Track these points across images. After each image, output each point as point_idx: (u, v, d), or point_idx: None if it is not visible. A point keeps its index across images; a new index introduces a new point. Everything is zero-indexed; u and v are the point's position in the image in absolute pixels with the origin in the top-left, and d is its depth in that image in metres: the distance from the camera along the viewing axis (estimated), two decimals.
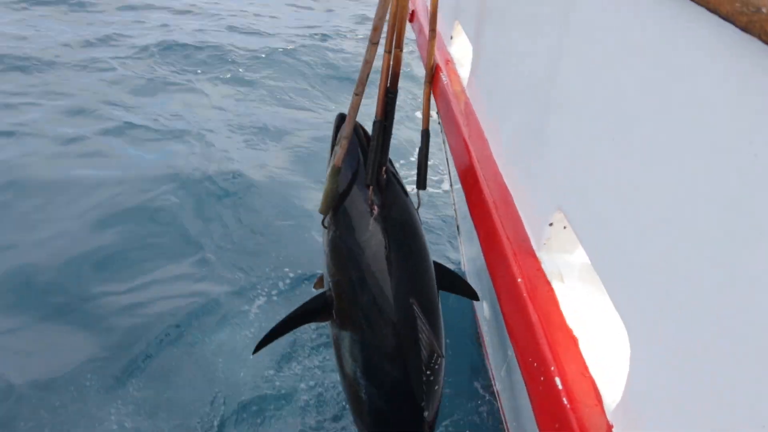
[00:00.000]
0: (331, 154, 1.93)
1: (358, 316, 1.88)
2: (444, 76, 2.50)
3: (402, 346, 1.89)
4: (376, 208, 1.82)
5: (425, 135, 2.04)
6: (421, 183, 2.05)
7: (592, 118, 1.30)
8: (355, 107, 1.81)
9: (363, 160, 1.87)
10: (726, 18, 0.81)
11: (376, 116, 1.85)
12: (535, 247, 1.55)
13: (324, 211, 1.87)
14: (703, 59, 0.91)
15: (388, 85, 1.87)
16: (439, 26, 2.89)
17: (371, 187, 1.83)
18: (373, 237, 1.81)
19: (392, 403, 2.03)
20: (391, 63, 1.86)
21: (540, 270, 1.50)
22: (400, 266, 1.84)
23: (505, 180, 1.78)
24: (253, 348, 1.99)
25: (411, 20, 3.09)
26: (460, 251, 3.75)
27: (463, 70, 2.53)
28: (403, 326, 1.85)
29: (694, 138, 0.93)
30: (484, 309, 2.57)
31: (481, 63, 2.18)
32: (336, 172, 1.84)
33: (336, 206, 1.86)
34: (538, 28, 1.65)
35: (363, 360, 1.94)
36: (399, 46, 1.86)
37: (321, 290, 2.05)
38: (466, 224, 2.81)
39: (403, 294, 1.83)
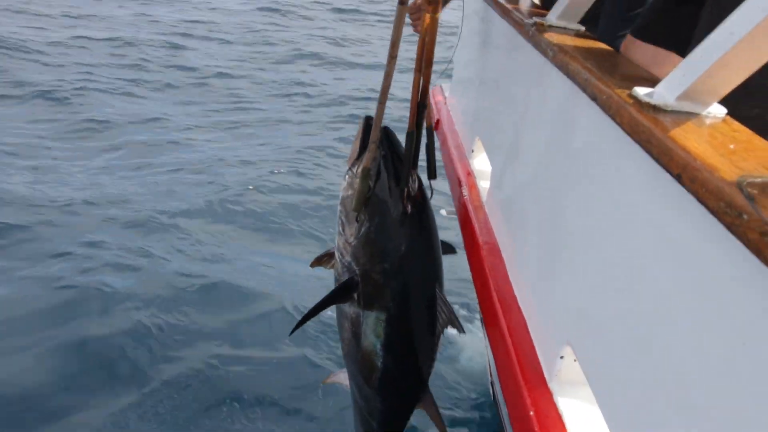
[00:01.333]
0: (359, 155, 2.12)
1: (386, 299, 2.15)
2: (465, 189, 2.62)
3: (423, 323, 2.20)
4: (409, 206, 2.08)
5: (430, 131, 2.21)
6: (432, 173, 2.25)
7: (599, 257, 1.37)
8: (380, 115, 2.03)
9: (389, 163, 2.08)
10: (713, 212, 0.89)
11: (408, 128, 2.07)
12: (547, 377, 1.59)
13: (357, 208, 2.09)
14: (693, 236, 0.99)
15: (419, 99, 2.08)
16: (462, 139, 3.04)
17: (407, 189, 2.07)
18: (404, 232, 2.08)
19: (404, 369, 2.33)
20: (422, 81, 2.05)
21: (551, 401, 1.53)
22: (426, 259, 2.14)
23: (520, 303, 1.84)
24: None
25: (436, 128, 3.25)
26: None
27: (483, 183, 2.64)
28: (426, 307, 2.15)
29: (695, 290, 0.99)
30: None
31: (499, 182, 2.29)
32: (366, 173, 2.06)
33: (366, 204, 2.10)
34: (550, 160, 1.76)
35: (386, 335, 2.20)
36: (429, 66, 2.04)
37: (346, 276, 2.22)
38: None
39: (428, 282, 2.14)
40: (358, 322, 2.25)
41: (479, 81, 2.83)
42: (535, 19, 1.75)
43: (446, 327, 2.22)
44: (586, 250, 1.44)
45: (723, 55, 1.02)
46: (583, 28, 1.73)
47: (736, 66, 1.04)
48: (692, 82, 1.09)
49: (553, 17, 1.72)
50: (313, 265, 2.49)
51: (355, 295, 2.18)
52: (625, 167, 1.24)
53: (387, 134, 2.07)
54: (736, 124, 1.12)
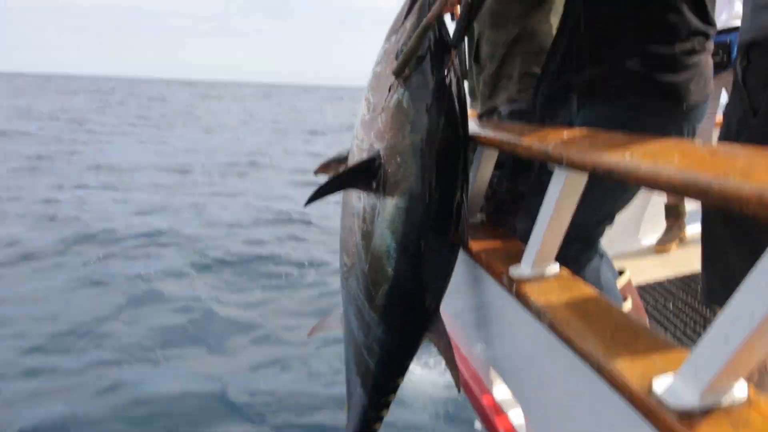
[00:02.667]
0: (408, 13, 1.91)
1: (411, 180, 1.80)
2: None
3: (445, 220, 1.87)
4: (453, 74, 1.84)
5: None
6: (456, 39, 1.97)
7: None
8: None
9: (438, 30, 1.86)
10: None
11: None
12: None
13: (399, 71, 1.81)
14: None
15: None
16: (475, 366, 2.85)
17: (454, 51, 1.85)
18: (444, 104, 1.82)
19: (418, 281, 1.89)
20: None
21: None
22: (456, 142, 1.86)
23: None
24: None
25: None
26: None
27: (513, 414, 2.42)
28: (450, 202, 1.85)
29: None
30: None
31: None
32: (425, 30, 1.79)
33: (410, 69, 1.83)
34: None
35: (404, 228, 1.82)
36: None
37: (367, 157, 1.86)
38: None
39: (456, 170, 1.85)
40: (373, 216, 1.86)
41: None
42: (510, 272, 1.66)
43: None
44: None
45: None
46: (557, 269, 1.64)
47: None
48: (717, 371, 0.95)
49: (526, 269, 1.64)
50: (318, 171, 2.09)
51: (374, 184, 1.82)
52: None
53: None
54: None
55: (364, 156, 1.85)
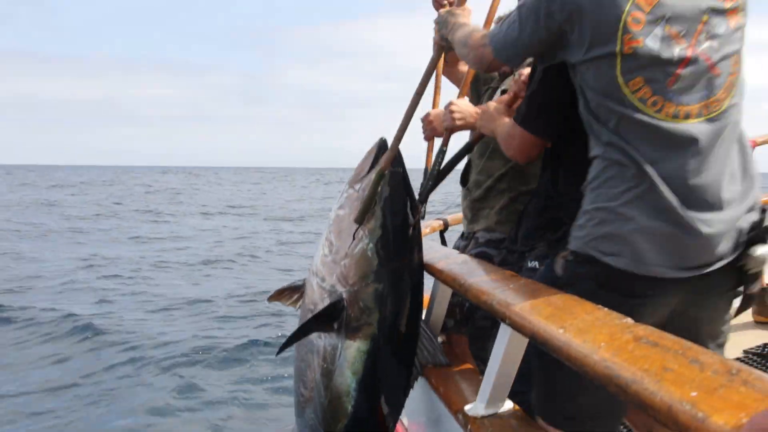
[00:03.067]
0: (369, 171, 2.00)
1: (373, 326, 1.92)
2: None
3: (405, 359, 2.03)
4: (417, 226, 2.00)
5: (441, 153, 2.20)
6: (424, 197, 2.19)
7: None
8: (399, 136, 2.01)
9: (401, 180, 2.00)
10: None
11: (442, 146, 2.19)
12: None
13: (360, 219, 1.89)
14: None
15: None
16: None
17: (423, 206, 2.06)
18: (408, 254, 1.97)
19: (374, 416, 2.02)
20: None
21: None
22: (416, 288, 2.02)
23: None
24: None
25: None
26: None
27: None
28: (410, 340, 2.01)
29: None
30: None
31: None
32: (381, 176, 1.90)
33: (369, 218, 1.92)
34: None
35: (365, 371, 1.94)
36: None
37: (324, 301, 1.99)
38: None
39: (415, 311, 2.02)
40: (334, 356, 1.95)
41: None
42: (466, 409, 1.71)
43: (428, 363, 2.06)
44: None
45: None
46: (510, 407, 1.70)
47: None
48: None
49: (481, 407, 1.69)
50: (271, 299, 2.21)
51: (335, 325, 1.91)
52: None
53: (400, 158, 1.99)
54: None
55: (326, 297, 1.95)
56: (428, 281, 2.11)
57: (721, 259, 1.50)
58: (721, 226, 1.48)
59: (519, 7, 1.63)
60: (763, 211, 1.58)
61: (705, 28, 1.47)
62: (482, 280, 1.70)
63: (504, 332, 1.54)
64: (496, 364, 1.61)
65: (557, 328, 1.27)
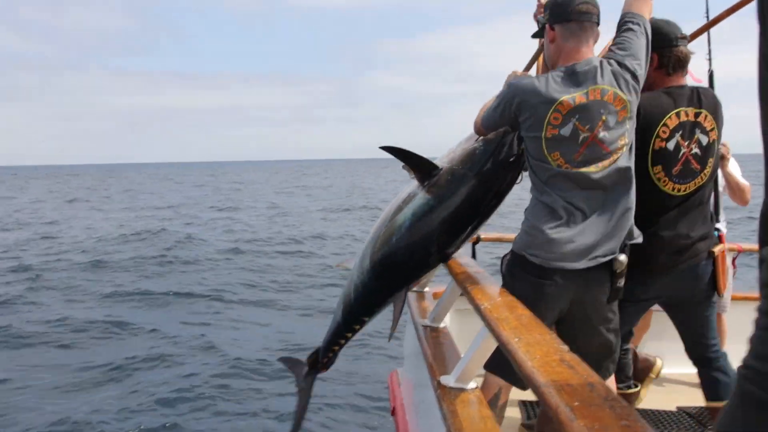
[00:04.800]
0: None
1: (443, 193, 2.51)
2: None
3: (447, 235, 2.55)
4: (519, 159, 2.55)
5: None
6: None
7: None
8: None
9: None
10: None
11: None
12: None
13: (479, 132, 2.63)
14: None
15: None
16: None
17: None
18: (501, 173, 2.55)
19: (408, 256, 2.57)
20: None
21: None
22: (482, 203, 2.58)
23: None
24: None
25: (393, 414, 3.63)
26: None
27: None
28: (458, 227, 2.55)
29: None
30: None
31: None
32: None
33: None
34: None
35: (421, 216, 2.52)
36: None
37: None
38: None
39: (472, 215, 2.57)
40: (409, 200, 2.57)
41: None
42: (440, 378, 2.23)
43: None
44: None
45: None
46: (474, 386, 2.20)
47: None
48: None
49: (452, 380, 2.20)
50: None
51: (426, 182, 2.55)
52: None
53: None
54: None
55: (436, 162, 2.62)
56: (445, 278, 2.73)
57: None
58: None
59: (497, 97, 2.55)
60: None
61: (603, 124, 2.38)
62: (481, 289, 2.19)
63: (483, 332, 2.04)
64: (471, 352, 2.11)
65: (514, 338, 1.75)
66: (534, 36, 2.73)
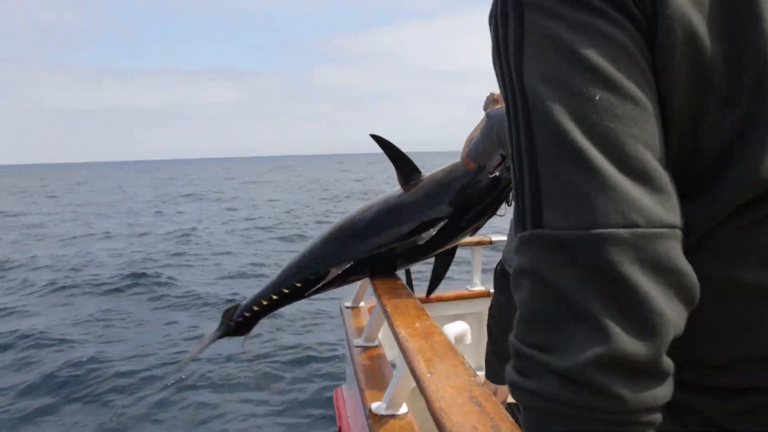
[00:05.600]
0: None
1: (419, 195, 2.63)
2: None
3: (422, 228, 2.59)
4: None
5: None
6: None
7: None
8: None
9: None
10: None
11: None
12: None
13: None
14: None
15: None
16: None
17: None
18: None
19: (381, 231, 2.61)
20: None
21: None
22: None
23: None
24: None
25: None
26: None
27: None
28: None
29: None
30: None
31: None
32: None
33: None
34: None
35: (390, 210, 2.63)
36: None
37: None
38: None
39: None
40: (385, 195, 2.73)
41: None
42: (371, 406, 2.19)
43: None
44: None
45: None
46: (405, 411, 2.17)
47: None
48: None
49: (382, 407, 2.16)
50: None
51: (406, 184, 2.69)
52: None
53: None
54: None
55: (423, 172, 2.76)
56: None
57: None
58: None
59: (480, 130, 2.59)
60: None
61: None
62: (401, 313, 2.16)
63: (402, 362, 2.00)
64: (396, 379, 2.08)
65: (427, 372, 1.72)
66: None
